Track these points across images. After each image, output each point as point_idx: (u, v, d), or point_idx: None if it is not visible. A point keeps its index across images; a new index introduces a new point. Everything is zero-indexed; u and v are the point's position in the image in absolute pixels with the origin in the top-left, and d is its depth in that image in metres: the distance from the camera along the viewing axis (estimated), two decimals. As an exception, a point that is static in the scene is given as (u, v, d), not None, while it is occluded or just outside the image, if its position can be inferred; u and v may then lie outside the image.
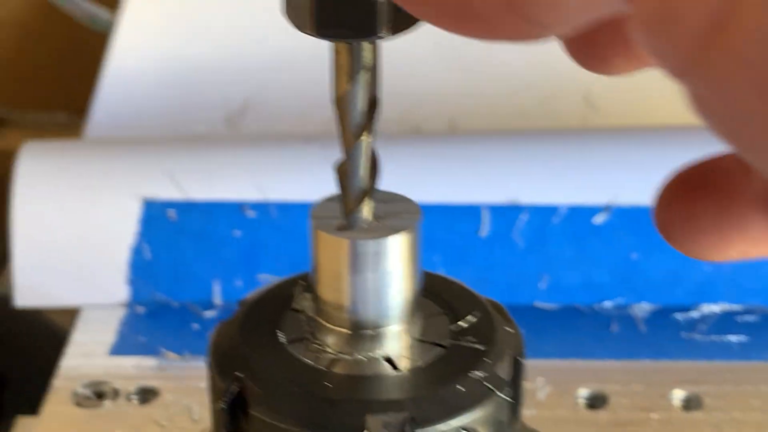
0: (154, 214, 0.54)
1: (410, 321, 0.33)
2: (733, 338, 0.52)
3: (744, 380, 0.49)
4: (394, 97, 0.62)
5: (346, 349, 0.33)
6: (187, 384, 0.49)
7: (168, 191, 0.54)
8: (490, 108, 0.63)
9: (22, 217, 0.54)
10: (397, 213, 0.33)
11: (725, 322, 0.53)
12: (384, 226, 0.32)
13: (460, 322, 0.34)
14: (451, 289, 0.36)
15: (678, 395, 0.48)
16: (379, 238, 0.32)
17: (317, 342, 0.33)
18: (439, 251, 0.54)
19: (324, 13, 0.28)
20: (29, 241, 0.54)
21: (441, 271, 0.54)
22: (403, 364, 0.33)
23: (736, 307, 0.54)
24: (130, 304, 0.55)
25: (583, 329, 0.53)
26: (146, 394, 0.49)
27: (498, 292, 0.54)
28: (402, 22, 0.29)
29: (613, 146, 0.56)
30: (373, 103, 0.31)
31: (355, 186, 0.32)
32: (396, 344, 0.33)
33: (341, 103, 0.31)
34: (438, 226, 0.55)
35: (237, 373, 0.32)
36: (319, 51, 0.33)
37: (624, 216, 0.54)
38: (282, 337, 0.34)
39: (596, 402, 0.48)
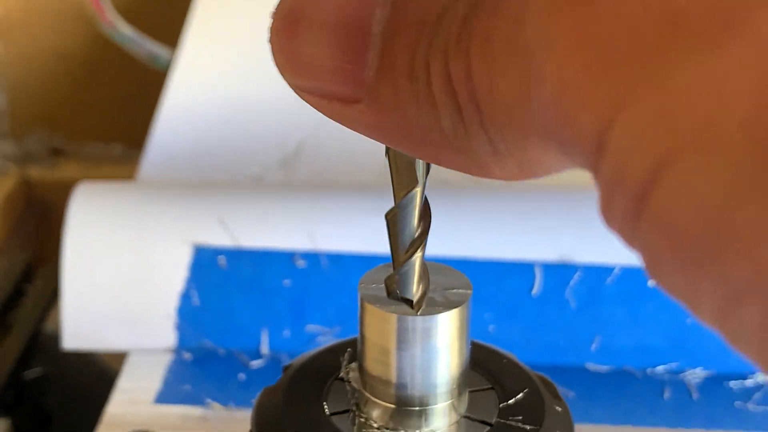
0: (204, 260, 0.54)
1: (457, 397, 0.33)
2: (789, 410, 0.51)
3: (800, 456, 0.48)
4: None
5: (391, 424, 0.32)
6: (231, 436, 0.49)
7: (219, 238, 0.54)
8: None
9: (72, 259, 0.54)
10: (447, 287, 0.32)
11: (781, 393, 0.52)
12: (434, 301, 0.31)
13: (508, 400, 0.34)
14: (501, 363, 0.35)
15: (731, 469, 0.47)
16: (429, 314, 0.31)
17: (362, 415, 0.33)
18: (491, 309, 0.54)
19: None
20: (79, 282, 0.54)
21: (492, 329, 0.53)
22: (449, 442, 0.32)
23: (793, 377, 0.53)
24: (177, 350, 0.54)
25: (634, 394, 0.52)
26: (190, 446, 0.48)
27: (549, 353, 0.53)
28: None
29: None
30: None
31: (406, 237, 0.31)
32: (442, 421, 0.32)
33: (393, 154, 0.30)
34: (490, 282, 0.54)
35: (280, 445, 0.32)
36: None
37: (680, 279, 0.53)
38: (326, 408, 0.33)
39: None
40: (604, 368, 0.53)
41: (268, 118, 0.67)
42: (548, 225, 0.54)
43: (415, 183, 0.30)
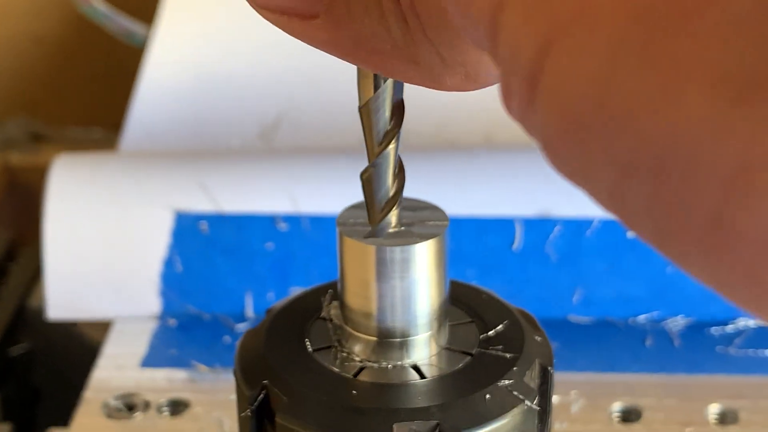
0: (185, 226, 0.54)
1: (438, 329, 0.33)
2: (769, 353, 0.51)
3: (781, 395, 0.48)
4: (429, 111, 0.62)
5: (373, 357, 0.33)
6: (218, 397, 0.49)
7: (200, 204, 0.54)
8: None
9: (54, 230, 0.55)
10: (424, 220, 0.32)
11: (761, 337, 0.52)
12: (411, 233, 0.32)
13: (488, 331, 0.34)
14: (480, 299, 0.36)
15: (713, 410, 0.47)
16: (407, 245, 0.31)
17: (344, 350, 0.33)
18: (472, 265, 0.54)
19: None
20: (61, 253, 0.55)
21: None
22: (431, 372, 0.32)
23: (773, 321, 0.53)
24: (162, 317, 0.55)
25: (617, 343, 0.53)
26: (177, 407, 0.49)
27: (531, 306, 0.53)
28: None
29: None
30: (397, 110, 0.31)
31: (381, 193, 0.32)
32: (423, 352, 0.33)
33: (366, 110, 0.30)
34: (471, 239, 0.54)
35: (263, 381, 0.32)
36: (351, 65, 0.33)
37: (658, 229, 0.53)
38: (308, 346, 0.34)
39: (630, 416, 0.47)
40: (586, 319, 0.54)
41: (245, 91, 0.67)
42: (527, 181, 0.55)
43: (388, 139, 0.31)
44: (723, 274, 0.17)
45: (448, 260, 0.33)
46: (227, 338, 0.53)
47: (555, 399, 0.48)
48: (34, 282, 0.62)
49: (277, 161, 0.57)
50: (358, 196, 0.32)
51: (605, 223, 0.54)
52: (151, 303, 0.55)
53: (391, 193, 0.32)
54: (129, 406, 0.49)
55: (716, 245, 0.17)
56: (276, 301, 0.54)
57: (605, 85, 0.18)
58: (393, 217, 0.32)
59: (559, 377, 0.49)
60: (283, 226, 0.54)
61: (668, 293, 0.54)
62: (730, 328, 0.53)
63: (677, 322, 0.53)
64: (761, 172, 0.16)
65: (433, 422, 0.31)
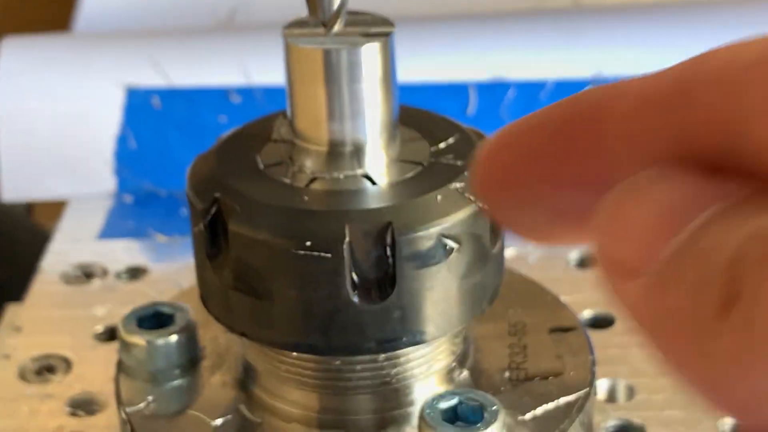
0: (137, 101, 0.54)
1: (389, 141, 0.33)
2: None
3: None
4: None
5: (325, 168, 0.33)
6: (176, 262, 0.49)
7: (151, 78, 0.54)
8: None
9: (6, 112, 0.54)
10: (371, 27, 0.32)
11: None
12: (357, 39, 0.32)
13: (439, 144, 0.34)
14: (431, 118, 0.36)
15: (668, 253, 0.48)
16: (352, 47, 0.31)
17: (295, 164, 0.33)
18: (426, 130, 0.54)
19: None
20: (14, 135, 0.54)
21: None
22: (382, 181, 0.32)
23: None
24: (118, 194, 0.54)
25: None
26: (135, 273, 0.49)
27: (486, 169, 0.54)
28: None
29: (597, 19, 0.55)
30: None
31: (325, 4, 0.32)
32: (374, 162, 0.33)
33: None
34: (425, 105, 0.54)
35: (215, 195, 0.32)
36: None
37: (611, 88, 0.54)
38: (260, 163, 0.34)
39: (586, 262, 0.48)
40: (541, 181, 0.54)
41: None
42: (479, 45, 0.55)
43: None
44: None
45: (395, 70, 0.33)
46: (184, 211, 0.53)
47: (512, 251, 0.49)
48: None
49: (229, 34, 0.56)
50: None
51: (558, 85, 0.54)
52: (106, 181, 0.54)
53: (335, 4, 0.32)
54: (87, 274, 0.48)
55: None
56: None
57: None
58: (338, 26, 0.32)
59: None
60: (236, 99, 0.54)
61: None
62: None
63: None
64: None
65: (386, 222, 0.31)
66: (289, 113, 0.33)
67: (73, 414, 0.40)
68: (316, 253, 0.30)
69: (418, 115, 0.36)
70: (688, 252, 0.19)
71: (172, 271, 0.48)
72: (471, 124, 0.54)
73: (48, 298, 0.47)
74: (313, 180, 0.32)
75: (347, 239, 0.30)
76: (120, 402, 0.35)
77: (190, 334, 0.36)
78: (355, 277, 0.31)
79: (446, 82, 0.54)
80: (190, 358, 0.36)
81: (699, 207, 0.19)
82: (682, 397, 0.39)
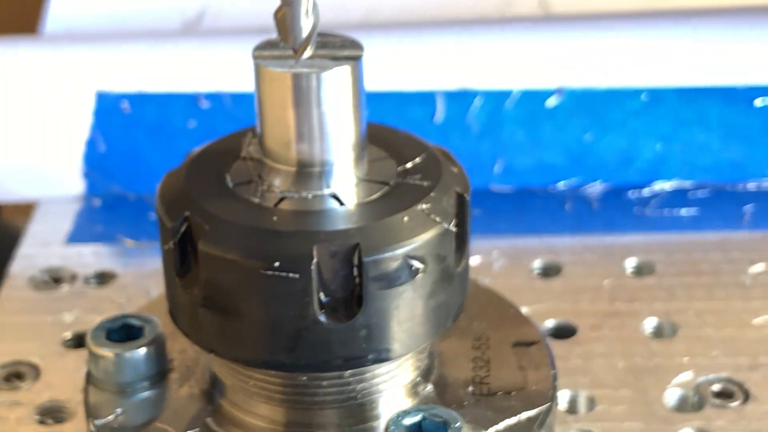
0: (107, 106, 0.54)
1: (356, 161, 0.34)
2: (684, 212, 0.53)
3: (695, 249, 0.50)
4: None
5: (293, 188, 0.33)
6: (145, 267, 0.49)
7: (121, 83, 0.54)
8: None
9: (-25, 114, 0.54)
10: (340, 51, 0.33)
11: (677, 198, 0.54)
12: (327, 63, 0.32)
13: (406, 164, 0.35)
14: (398, 137, 0.36)
15: (630, 263, 0.49)
16: (321, 71, 0.32)
17: (264, 183, 0.34)
18: (394, 137, 0.55)
19: None
20: (-17, 137, 0.54)
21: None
22: (350, 200, 0.33)
23: (687, 183, 0.55)
24: (87, 197, 0.55)
25: (537, 209, 0.54)
26: (104, 278, 0.49)
27: (453, 176, 0.54)
28: None
29: (564, 30, 0.56)
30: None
31: (296, 31, 0.32)
32: (342, 182, 0.33)
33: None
34: (393, 113, 0.55)
35: (184, 213, 0.33)
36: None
37: (576, 98, 0.54)
38: (229, 181, 0.34)
39: (550, 271, 0.49)
40: (507, 188, 0.55)
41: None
42: (447, 53, 0.55)
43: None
44: None
45: (363, 91, 0.33)
46: (153, 215, 0.53)
47: (477, 259, 0.49)
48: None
49: (199, 40, 0.57)
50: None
51: (524, 94, 0.55)
52: (75, 184, 0.55)
53: (306, 32, 0.32)
54: (55, 279, 0.49)
55: None
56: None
57: None
58: (308, 50, 0.32)
59: (480, 241, 0.50)
60: (205, 104, 0.54)
61: (586, 160, 0.55)
62: (646, 191, 0.54)
63: (595, 188, 0.55)
64: None
65: (353, 242, 0.31)
66: (258, 132, 0.34)
67: (42, 422, 0.40)
68: (284, 274, 0.31)
69: (385, 134, 0.36)
70: None
71: (141, 276, 0.49)
72: (438, 132, 0.55)
73: (16, 303, 0.47)
74: (281, 199, 0.33)
75: (315, 260, 0.31)
76: (89, 414, 0.36)
77: (158, 346, 0.37)
78: (322, 296, 0.32)
79: (414, 91, 0.55)
80: (159, 371, 0.37)
81: None
82: (642, 409, 0.40)
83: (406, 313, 0.32)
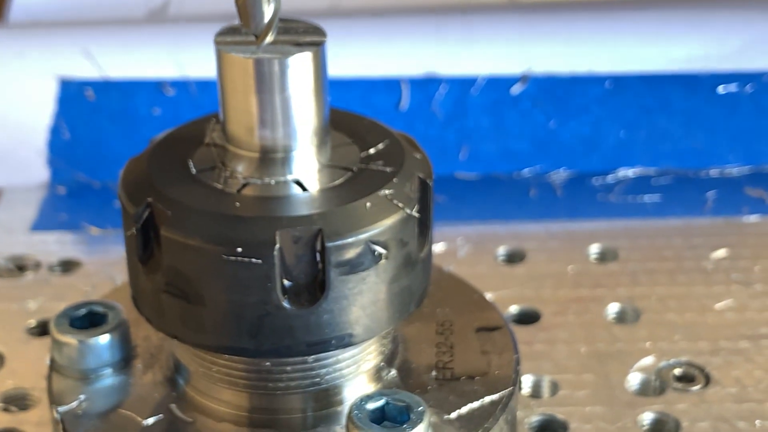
0: (71, 93, 0.54)
1: (319, 147, 0.34)
2: (647, 199, 0.53)
3: (658, 235, 0.50)
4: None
5: (256, 173, 0.33)
6: (110, 255, 0.49)
7: (85, 70, 0.54)
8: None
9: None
10: (303, 37, 0.33)
11: (640, 185, 0.54)
12: (289, 48, 0.32)
13: (369, 150, 0.35)
14: (361, 123, 0.36)
15: (594, 249, 0.49)
16: (283, 57, 0.32)
17: (227, 169, 0.34)
18: (360, 124, 0.55)
19: None
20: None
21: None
22: (313, 186, 0.33)
23: (650, 170, 0.55)
24: (51, 185, 0.54)
25: (502, 196, 0.54)
26: (68, 266, 0.49)
27: (418, 163, 0.55)
28: None
29: (528, 16, 0.56)
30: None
31: (257, 18, 0.32)
32: (305, 168, 0.33)
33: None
34: (358, 100, 0.55)
35: (147, 199, 0.33)
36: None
37: (540, 85, 0.55)
38: (192, 168, 0.34)
39: (514, 258, 0.49)
40: (472, 175, 0.55)
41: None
42: (412, 41, 0.55)
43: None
44: None
45: (326, 78, 0.33)
46: (118, 203, 0.53)
47: (442, 246, 0.50)
48: None
49: (162, 27, 0.56)
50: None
51: (489, 81, 0.55)
52: (40, 171, 0.54)
53: (267, 17, 0.32)
54: (19, 266, 0.49)
55: None
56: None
57: None
58: (270, 36, 0.32)
59: (445, 228, 0.51)
60: (169, 91, 0.54)
61: (550, 147, 0.55)
62: (610, 178, 0.55)
63: (559, 175, 0.55)
64: None
65: (316, 228, 0.31)
66: (221, 119, 0.34)
67: (6, 409, 0.40)
68: (246, 259, 0.31)
69: (348, 119, 0.36)
70: None
71: (106, 264, 0.49)
72: (403, 119, 0.55)
73: (-20, 291, 0.47)
74: (244, 185, 0.33)
75: (278, 245, 0.31)
76: (52, 401, 0.36)
77: (122, 333, 0.37)
78: (285, 282, 0.32)
79: (379, 77, 0.55)
80: (123, 357, 0.37)
81: None
82: (604, 393, 0.40)
83: (368, 298, 0.32)
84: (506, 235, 0.50)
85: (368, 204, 0.32)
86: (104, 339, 0.36)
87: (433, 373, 0.37)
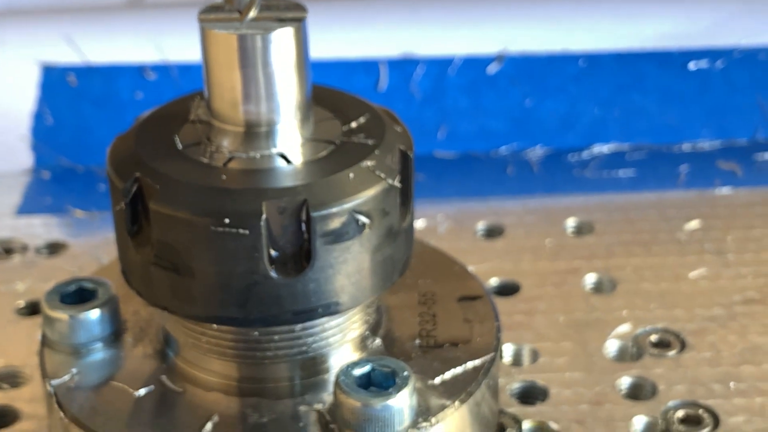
0: (53, 79, 0.55)
1: (303, 121, 0.35)
2: (622, 173, 0.54)
3: (632, 208, 0.51)
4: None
5: (241, 148, 0.34)
6: (95, 237, 0.50)
7: (67, 55, 0.54)
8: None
9: None
10: (284, 13, 0.34)
11: (615, 160, 0.55)
12: (271, 23, 0.33)
13: (351, 123, 0.36)
14: (343, 98, 0.37)
15: (570, 223, 0.50)
16: (267, 32, 0.33)
17: (213, 144, 0.34)
18: (339, 106, 0.56)
19: None
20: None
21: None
22: (297, 159, 0.34)
23: (624, 146, 0.56)
24: (35, 170, 0.55)
25: (480, 173, 0.55)
26: (55, 248, 0.49)
27: (397, 143, 0.56)
28: None
29: (503, -3, 0.57)
30: None
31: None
32: (289, 142, 0.34)
33: None
34: (337, 81, 0.56)
35: (135, 174, 0.33)
36: None
37: (516, 64, 0.56)
38: (178, 143, 0.35)
39: (493, 232, 0.50)
40: (450, 154, 0.56)
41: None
42: (389, 22, 0.56)
43: None
44: None
45: (308, 53, 0.34)
46: (102, 186, 0.54)
47: (422, 223, 0.51)
48: None
49: (143, 11, 0.57)
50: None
51: (466, 61, 0.56)
52: (24, 157, 0.55)
53: (250, -7, 0.33)
54: (7, 249, 0.49)
55: None
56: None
57: None
58: (253, 12, 0.33)
59: (425, 205, 0.52)
60: (151, 75, 0.55)
61: (527, 125, 0.56)
62: (585, 154, 0.56)
63: (536, 152, 0.56)
64: None
65: (301, 198, 0.32)
66: (206, 95, 0.35)
67: (-2, 387, 0.41)
68: (234, 230, 0.32)
69: (330, 95, 0.37)
70: None
71: (92, 245, 0.49)
72: (382, 99, 0.56)
73: (-32, 274, 0.48)
74: (230, 159, 0.34)
75: (264, 216, 0.32)
76: (45, 375, 0.36)
77: (112, 308, 0.38)
78: (272, 252, 0.32)
79: (357, 59, 0.56)
80: (113, 332, 0.38)
81: None
82: (583, 360, 0.41)
83: (353, 267, 0.33)
84: (485, 211, 0.51)
85: (351, 175, 0.33)
86: (94, 314, 0.37)
87: (417, 341, 0.38)
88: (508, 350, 0.42)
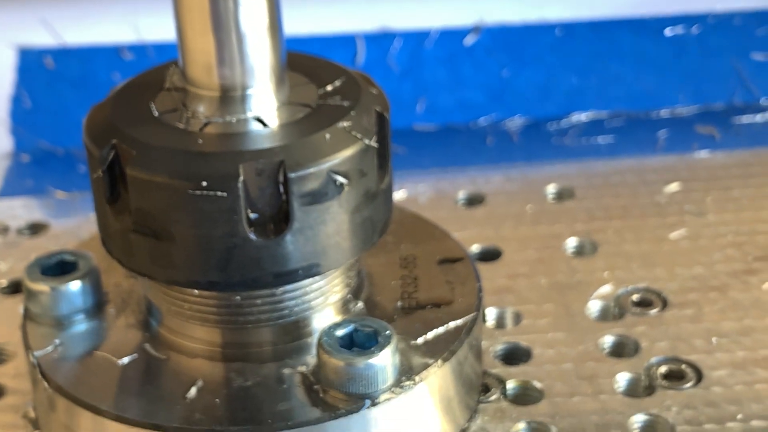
0: (30, 62, 0.54)
1: (278, 86, 0.35)
2: (600, 140, 0.54)
3: (612, 173, 0.51)
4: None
5: (217, 113, 0.34)
6: (76, 217, 0.50)
7: (43, 38, 0.54)
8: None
9: None
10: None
11: (594, 127, 0.55)
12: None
13: (326, 87, 0.36)
14: (318, 63, 0.37)
15: (551, 189, 0.50)
16: (239, -6, 0.33)
17: (189, 110, 0.34)
18: (317, 81, 0.56)
19: None
20: None
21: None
22: (273, 122, 0.34)
23: (603, 113, 0.56)
24: (15, 154, 0.55)
25: (461, 145, 0.55)
26: (36, 229, 0.49)
27: (377, 117, 0.56)
28: None
29: (478, -31, 0.58)
30: None
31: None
32: (265, 106, 0.34)
33: None
34: (314, 57, 0.56)
35: (111, 141, 0.33)
36: None
37: (493, 35, 0.56)
38: (154, 110, 0.35)
39: (474, 201, 0.50)
40: (430, 126, 0.56)
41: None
42: (365, -3, 0.57)
43: None
44: None
45: (281, 17, 0.34)
46: (82, 168, 0.54)
47: (403, 193, 0.51)
48: None
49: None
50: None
51: (443, 33, 0.56)
52: (3, 141, 0.55)
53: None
54: (-12, 231, 0.49)
55: None
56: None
57: None
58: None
59: (406, 176, 0.52)
60: (128, 56, 0.55)
61: (505, 96, 0.56)
62: (564, 122, 0.56)
63: (515, 122, 0.56)
64: None
65: (278, 160, 0.32)
66: (180, 61, 0.35)
67: (-19, 365, 0.41)
68: (212, 193, 0.32)
69: (305, 61, 0.37)
70: None
71: (72, 225, 0.49)
72: (360, 73, 0.56)
73: (-51, 256, 0.48)
74: (206, 124, 0.34)
75: (241, 178, 0.32)
76: (28, 347, 0.36)
77: (93, 279, 0.38)
78: (250, 214, 0.33)
79: (334, 34, 0.56)
80: (95, 303, 0.38)
81: None
82: (566, 321, 0.42)
83: (332, 228, 0.33)
84: (465, 180, 0.51)
85: (327, 136, 0.33)
86: (75, 285, 0.37)
87: (399, 303, 0.38)
88: (491, 314, 0.43)
